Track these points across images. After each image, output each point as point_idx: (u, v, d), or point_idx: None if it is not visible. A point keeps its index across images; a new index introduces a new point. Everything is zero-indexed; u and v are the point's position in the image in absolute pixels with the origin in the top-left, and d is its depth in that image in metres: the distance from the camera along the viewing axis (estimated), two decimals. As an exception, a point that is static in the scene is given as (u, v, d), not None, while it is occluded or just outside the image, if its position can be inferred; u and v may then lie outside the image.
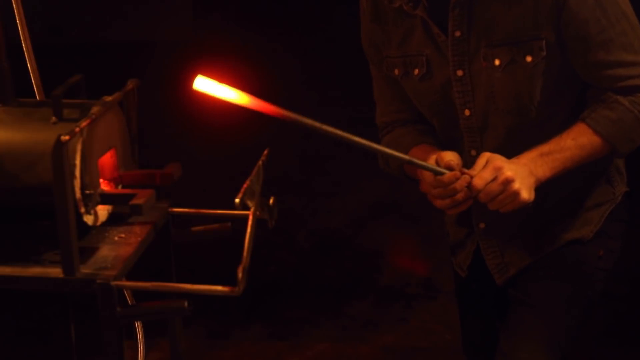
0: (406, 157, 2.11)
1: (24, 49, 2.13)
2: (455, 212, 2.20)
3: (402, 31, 2.27)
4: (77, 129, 1.78)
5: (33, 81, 2.16)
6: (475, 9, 2.15)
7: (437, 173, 2.12)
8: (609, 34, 2.12)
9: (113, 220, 1.98)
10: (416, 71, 2.27)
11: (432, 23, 2.21)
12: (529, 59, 2.15)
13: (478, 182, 2.08)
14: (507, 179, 2.07)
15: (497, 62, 2.17)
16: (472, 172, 2.11)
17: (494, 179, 2.07)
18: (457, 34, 2.18)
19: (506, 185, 2.07)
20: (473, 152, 2.27)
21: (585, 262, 2.30)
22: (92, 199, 1.84)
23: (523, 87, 2.17)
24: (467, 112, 2.24)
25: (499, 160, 2.09)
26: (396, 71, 2.32)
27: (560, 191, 2.24)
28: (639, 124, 2.15)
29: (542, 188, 2.16)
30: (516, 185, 2.07)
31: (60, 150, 1.72)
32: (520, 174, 2.08)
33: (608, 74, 2.15)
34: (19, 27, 2.11)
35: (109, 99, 1.94)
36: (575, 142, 2.14)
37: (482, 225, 2.35)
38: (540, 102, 2.19)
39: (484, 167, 2.09)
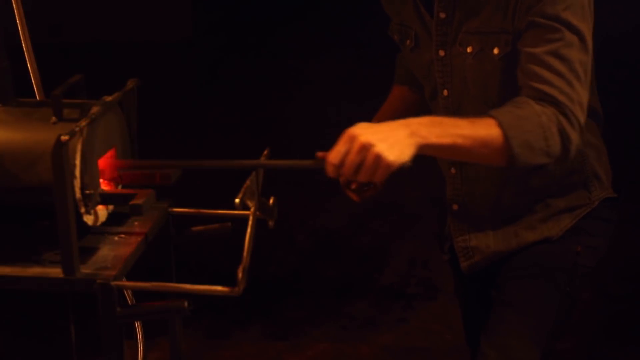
0: (261, 163, 1.95)
1: (24, 49, 2.13)
2: (364, 197, 2.23)
3: (399, 1, 2.30)
4: (77, 129, 1.78)
5: (33, 81, 2.16)
6: None
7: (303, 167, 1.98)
8: (553, 38, 2.05)
9: (113, 220, 1.98)
10: (408, 42, 2.32)
11: (419, 2, 2.23)
12: (495, 51, 2.14)
13: (332, 157, 1.90)
14: (363, 145, 1.88)
15: (469, 49, 2.17)
16: None
17: (350, 149, 1.89)
18: (442, 15, 2.20)
19: (364, 151, 1.88)
20: None
21: (561, 258, 2.30)
22: (92, 199, 1.84)
23: (490, 77, 2.17)
24: (445, 92, 2.26)
25: (354, 128, 1.91)
26: (396, 37, 2.36)
27: (532, 192, 2.24)
28: (541, 132, 2.00)
29: (513, 187, 2.19)
30: (376, 149, 1.87)
31: (60, 150, 1.72)
32: (381, 136, 1.89)
33: (534, 70, 2.05)
34: (19, 27, 2.11)
35: (109, 99, 1.94)
36: (472, 124, 1.99)
37: (455, 206, 2.37)
38: (508, 95, 2.14)
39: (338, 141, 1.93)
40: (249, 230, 1.80)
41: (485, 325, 2.29)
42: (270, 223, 1.94)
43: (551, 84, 2.02)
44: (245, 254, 1.76)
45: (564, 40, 2.05)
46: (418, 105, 2.43)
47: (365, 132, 1.89)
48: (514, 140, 1.98)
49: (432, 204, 2.55)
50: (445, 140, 1.95)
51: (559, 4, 2.04)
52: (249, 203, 1.82)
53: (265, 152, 1.97)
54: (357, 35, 7.22)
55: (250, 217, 1.82)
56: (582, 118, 2.05)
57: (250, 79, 7.02)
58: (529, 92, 2.05)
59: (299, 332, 3.88)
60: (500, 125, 1.98)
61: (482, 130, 1.98)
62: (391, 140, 1.89)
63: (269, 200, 1.92)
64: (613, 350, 3.68)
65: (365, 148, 1.88)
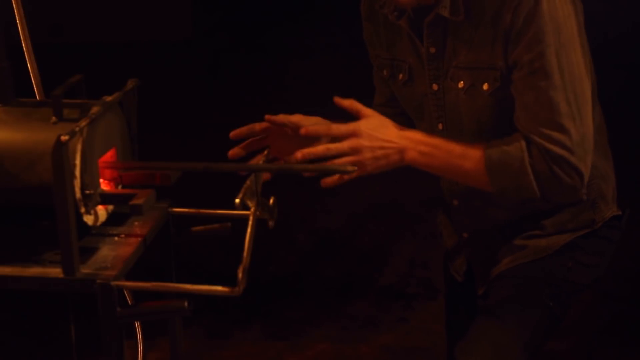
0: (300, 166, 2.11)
1: (24, 49, 2.13)
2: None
3: (391, 34, 2.28)
4: (77, 129, 1.78)
5: (33, 81, 2.16)
6: (449, 28, 2.15)
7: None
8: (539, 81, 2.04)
9: (113, 220, 1.98)
10: (400, 76, 2.29)
11: (414, 35, 2.21)
12: (485, 87, 2.12)
13: (335, 128, 2.10)
14: (356, 147, 2.09)
15: (460, 84, 2.16)
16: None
17: (347, 137, 2.08)
18: (432, 50, 2.19)
19: (354, 151, 2.09)
20: None
21: (550, 273, 2.27)
22: (92, 199, 1.84)
23: (483, 112, 2.16)
24: (440, 126, 2.25)
25: (366, 123, 2.10)
26: (385, 72, 2.34)
27: (539, 215, 2.25)
28: (523, 168, 2.06)
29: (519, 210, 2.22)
30: (364, 156, 2.11)
31: (60, 150, 1.72)
32: (374, 148, 2.10)
33: (526, 117, 2.08)
34: (19, 27, 2.11)
35: (109, 99, 1.94)
36: (463, 151, 2.10)
37: (465, 235, 2.38)
38: (502, 127, 2.14)
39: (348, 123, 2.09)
40: (249, 230, 1.80)
41: (465, 331, 2.28)
42: (270, 223, 1.94)
43: (549, 137, 2.04)
44: (245, 254, 1.76)
45: (551, 82, 2.03)
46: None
47: (370, 137, 2.08)
48: (491, 171, 2.08)
49: (432, 204, 2.55)
50: (429, 163, 2.11)
51: (542, 43, 2.02)
52: (249, 203, 1.82)
53: (265, 152, 1.97)
54: (358, 35, 7.22)
55: (250, 217, 1.82)
56: (583, 165, 2.07)
57: (250, 79, 7.03)
58: (525, 134, 2.07)
59: (299, 332, 3.88)
60: (486, 154, 2.08)
61: (471, 160, 2.09)
62: (382, 163, 2.13)
63: (269, 200, 1.92)
64: (613, 351, 3.68)
65: (357, 151, 2.09)
